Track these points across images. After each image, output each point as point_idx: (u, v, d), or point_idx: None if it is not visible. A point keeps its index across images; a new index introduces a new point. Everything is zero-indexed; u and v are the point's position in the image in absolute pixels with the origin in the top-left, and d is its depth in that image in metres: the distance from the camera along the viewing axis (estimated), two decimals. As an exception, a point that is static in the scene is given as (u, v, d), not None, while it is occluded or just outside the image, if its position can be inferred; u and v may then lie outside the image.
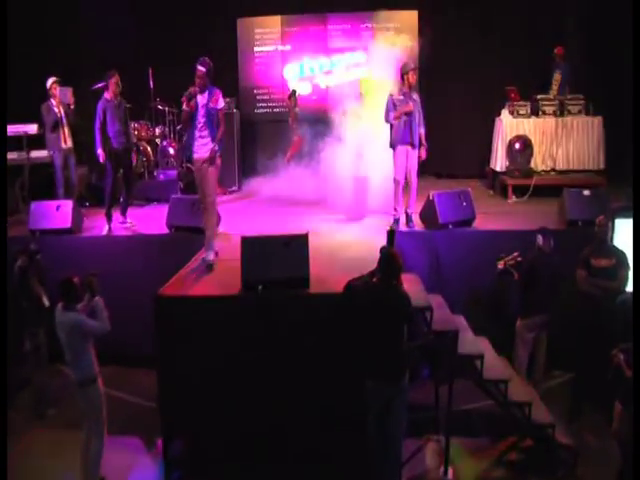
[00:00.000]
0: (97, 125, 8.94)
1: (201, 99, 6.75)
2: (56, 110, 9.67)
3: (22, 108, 10.21)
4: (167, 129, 11.77)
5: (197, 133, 6.77)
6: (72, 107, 9.79)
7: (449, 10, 11.80)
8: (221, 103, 6.89)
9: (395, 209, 8.33)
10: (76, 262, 8.09)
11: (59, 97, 9.63)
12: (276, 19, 12.64)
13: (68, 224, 8.93)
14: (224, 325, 5.82)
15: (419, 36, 11.41)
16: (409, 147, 8.07)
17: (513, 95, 10.66)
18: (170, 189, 10.79)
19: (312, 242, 6.18)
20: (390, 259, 5.21)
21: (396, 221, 8.29)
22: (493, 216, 8.82)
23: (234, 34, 12.67)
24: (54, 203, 9.14)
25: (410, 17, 12.12)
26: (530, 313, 7.02)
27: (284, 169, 11.14)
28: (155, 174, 11.55)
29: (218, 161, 6.89)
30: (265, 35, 12.72)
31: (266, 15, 12.66)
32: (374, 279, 5.36)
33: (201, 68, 6.71)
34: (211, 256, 6.86)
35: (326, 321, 5.71)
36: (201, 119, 6.74)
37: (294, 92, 11.73)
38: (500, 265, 7.22)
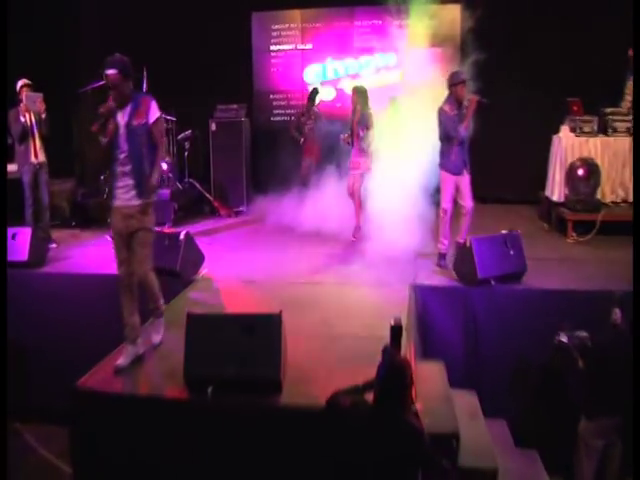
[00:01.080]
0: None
1: (121, 117, 4.54)
2: (24, 119, 8.10)
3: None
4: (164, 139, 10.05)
5: (118, 170, 4.59)
6: (43, 116, 8.18)
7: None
8: (153, 113, 4.58)
9: (442, 242, 6.93)
10: (29, 304, 6.82)
11: (25, 104, 8.04)
12: (296, 13, 10.94)
13: (24, 257, 7.45)
14: (157, 439, 4.07)
15: (461, 34, 9.59)
16: (462, 174, 6.87)
17: (576, 108, 8.68)
18: (162, 212, 9.13)
19: (310, 300, 5.53)
20: (392, 373, 3.38)
21: (442, 257, 6.88)
22: (549, 265, 6.91)
23: (248, 30, 10.98)
24: (10, 230, 7.55)
25: (451, 12, 10.24)
26: (599, 413, 5.09)
27: (302, 188, 9.42)
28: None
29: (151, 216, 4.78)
30: (283, 32, 11.04)
31: (285, 9, 10.99)
32: (370, 391, 3.54)
33: (111, 71, 4.49)
34: (156, 338, 4.98)
35: (303, 446, 3.90)
36: (123, 146, 4.52)
37: (315, 91, 9.94)
38: (561, 339, 5.34)
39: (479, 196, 10.20)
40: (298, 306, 5.75)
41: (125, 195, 4.55)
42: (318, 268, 6.94)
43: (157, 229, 6.96)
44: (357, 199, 8.05)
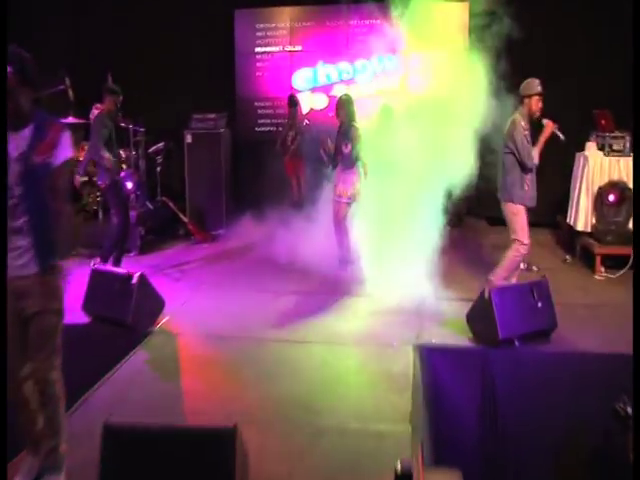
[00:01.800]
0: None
1: (14, 145, 3.01)
2: None
3: None
4: (134, 154, 8.85)
5: (10, 225, 3.02)
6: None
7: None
8: (64, 151, 3.08)
9: (499, 277, 5.82)
10: None
11: None
12: (284, 11, 9.77)
13: None
14: None
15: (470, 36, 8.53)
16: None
17: (604, 122, 7.50)
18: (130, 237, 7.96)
19: (289, 366, 4.61)
20: None
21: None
22: (580, 313, 5.74)
23: (230, 30, 9.76)
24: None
25: (459, 11, 9.14)
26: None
27: (292, 212, 8.24)
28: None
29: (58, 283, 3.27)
30: (270, 32, 9.85)
31: (271, 6, 9.80)
32: None
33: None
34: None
35: None
36: (13, 190, 3.00)
37: (292, 99, 8.81)
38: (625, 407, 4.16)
39: (487, 216, 9.17)
40: (274, 376, 4.60)
41: (16, 262, 3.09)
42: (301, 318, 5.73)
43: (99, 267, 5.87)
44: (342, 229, 6.90)
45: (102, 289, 5.60)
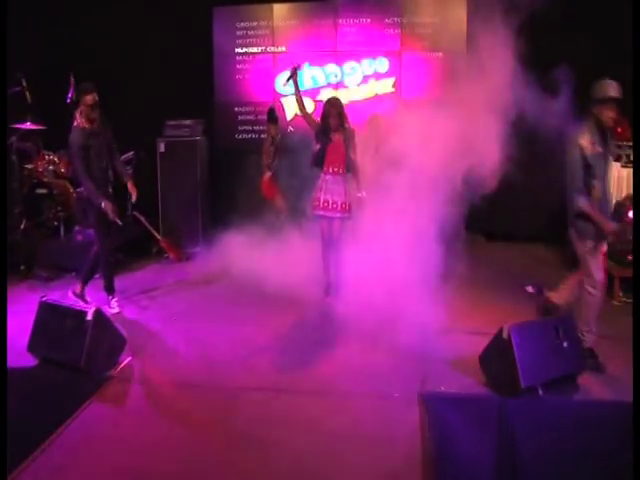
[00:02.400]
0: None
1: None
2: None
3: None
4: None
5: None
6: None
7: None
8: None
9: (583, 334, 4.72)
10: None
11: None
12: (267, 9, 9.03)
13: None
14: None
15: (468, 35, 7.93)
16: None
17: (621, 130, 6.77)
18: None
19: (273, 425, 3.87)
20: None
21: (591, 355, 4.73)
22: (601, 346, 4.98)
23: (208, 29, 9.00)
24: None
25: (457, 8, 8.48)
26: None
27: (276, 223, 7.50)
28: (74, 232, 7.85)
29: None
30: (251, 31, 9.10)
31: (253, 3, 9.02)
32: None
33: None
34: None
35: None
36: None
37: (272, 113, 8.04)
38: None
39: (484, 229, 8.47)
40: (254, 440, 3.80)
41: None
42: (286, 360, 4.92)
43: (48, 299, 5.03)
44: (333, 251, 6.12)
45: (51, 326, 4.77)
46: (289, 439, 3.78)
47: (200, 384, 4.50)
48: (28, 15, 8.39)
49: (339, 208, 6.01)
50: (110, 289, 6.13)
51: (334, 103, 6.14)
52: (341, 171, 6.04)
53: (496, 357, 4.33)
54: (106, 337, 4.66)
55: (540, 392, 4.21)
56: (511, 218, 8.54)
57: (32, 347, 4.81)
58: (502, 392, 4.28)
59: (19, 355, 4.84)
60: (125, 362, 4.79)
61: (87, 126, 5.76)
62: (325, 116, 6.09)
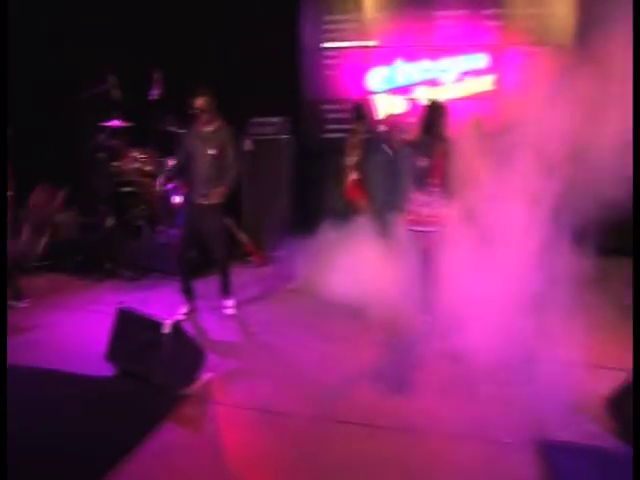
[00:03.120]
0: None
1: None
2: None
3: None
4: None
5: None
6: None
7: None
8: None
9: None
10: None
11: None
12: (357, 0, 8.47)
13: None
14: None
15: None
16: None
17: None
18: (174, 258, 6.94)
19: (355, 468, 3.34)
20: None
21: None
22: None
23: (294, 23, 8.62)
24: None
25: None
26: None
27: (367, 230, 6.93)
28: (157, 231, 7.67)
29: None
30: (341, 24, 8.62)
31: (343, -5, 8.55)
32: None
33: None
34: None
35: None
36: None
37: (359, 109, 7.52)
38: None
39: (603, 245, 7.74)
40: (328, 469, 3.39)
41: None
42: (381, 390, 4.43)
43: (126, 307, 4.76)
44: (427, 269, 5.48)
45: (129, 335, 4.52)
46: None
47: (285, 411, 4.09)
48: (115, 14, 8.28)
49: (435, 222, 5.46)
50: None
51: (441, 110, 5.61)
52: (438, 183, 5.52)
53: (624, 402, 3.73)
54: (184, 352, 4.35)
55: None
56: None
57: (111, 356, 4.57)
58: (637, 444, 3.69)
59: (99, 362, 4.63)
60: (204, 380, 4.45)
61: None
62: (429, 124, 5.56)
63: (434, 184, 5.54)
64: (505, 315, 4.60)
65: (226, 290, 6.13)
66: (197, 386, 4.39)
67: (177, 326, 4.28)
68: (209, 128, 5.90)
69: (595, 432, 3.82)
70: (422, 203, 5.54)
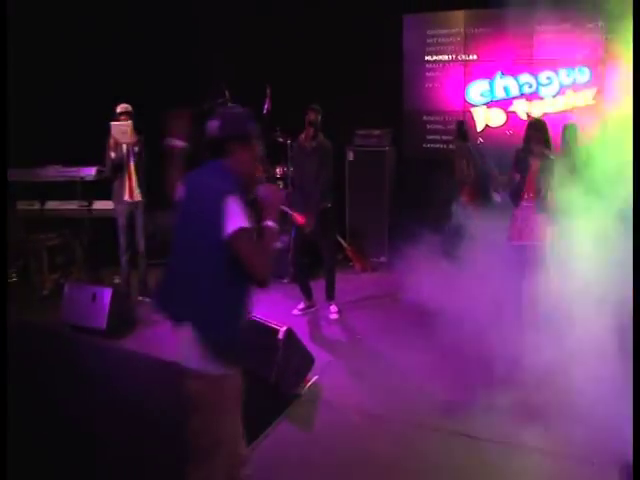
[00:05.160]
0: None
1: None
2: (114, 152, 6.88)
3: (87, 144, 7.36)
4: (289, 170, 8.34)
5: None
6: (137, 148, 6.80)
7: None
8: None
9: None
10: (103, 381, 5.32)
11: (114, 135, 6.69)
12: (458, 15, 8.81)
13: (102, 324, 6.23)
14: None
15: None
16: None
17: None
18: (280, 262, 7.55)
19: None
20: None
21: None
22: None
23: (398, 37, 9.00)
24: (90, 289, 6.32)
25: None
26: None
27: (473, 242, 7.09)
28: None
29: None
30: (442, 38, 8.94)
31: (444, 10, 8.84)
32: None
33: None
34: None
35: None
36: None
37: (462, 129, 7.83)
38: None
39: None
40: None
41: None
42: (469, 402, 4.73)
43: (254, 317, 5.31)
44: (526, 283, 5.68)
45: (247, 337, 5.07)
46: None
47: (383, 415, 4.54)
48: (231, 30, 8.90)
49: (533, 237, 5.72)
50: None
51: (539, 127, 5.87)
52: (535, 198, 5.78)
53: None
54: (295, 356, 4.86)
55: None
56: None
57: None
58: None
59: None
60: (311, 381, 4.95)
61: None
62: (527, 140, 5.84)
63: (529, 199, 5.82)
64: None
65: (331, 294, 6.63)
66: (306, 387, 4.89)
67: (290, 332, 4.80)
68: (312, 144, 6.40)
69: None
70: (519, 217, 5.84)
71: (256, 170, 2.96)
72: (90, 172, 7.40)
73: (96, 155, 7.23)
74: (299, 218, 3.08)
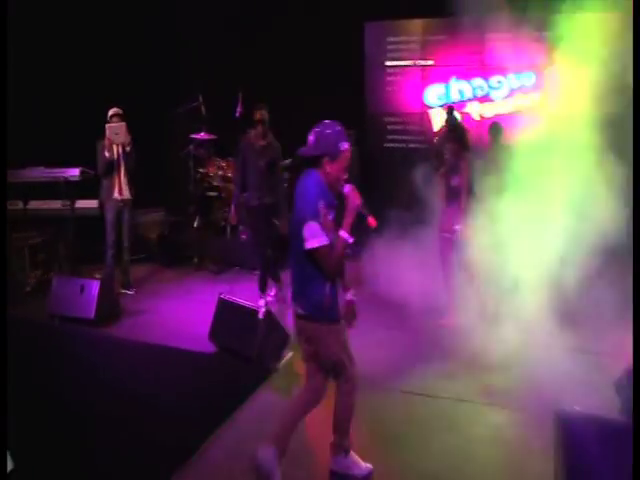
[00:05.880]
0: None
1: None
2: (108, 153, 7.30)
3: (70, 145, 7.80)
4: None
5: None
6: (128, 148, 7.27)
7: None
8: None
9: None
10: (94, 368, 5.72)
11: (109, 136, 7.12)
12: (416, 24, 9.52)
13: (91, 314, 6.62)
14: None
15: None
16: None
17: None
18: (255, 254, 8.05)
19: (409, 426, 4.40)
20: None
21: None
22: None
23: (359, 44, 9.64)
24: (78, 282, 6.72)
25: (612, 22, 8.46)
26: None
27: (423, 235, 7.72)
28: (239, 231, 8.78)
29: None
30: (401, 45, 9.60)
31: (403, 18, 9.52)
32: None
33: None
34: None
35: None
36: None
37: (451, 111, 8.37)
38: None
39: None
40: (400, 438, 4.39)
41: None
42: (423, 365, 5.45)
43: (227, 297, 5.87)
44: (446, 270, 6.39)
45: (228, 320, 5.63)
46: (431, 440, 4.32)
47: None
48: (204, 38, 9.41)
49: (453, 230, 6.27)
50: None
51: (454, 128, 6.70)
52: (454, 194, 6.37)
53: (627, 384, 4.60)
54: (274, 332, 5.41)
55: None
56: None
57: (212, 336, 5.70)
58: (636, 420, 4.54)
59: (199, 340, 5.83)
60: (287, 357, 5.51)
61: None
62: (443, 139, 6.50)
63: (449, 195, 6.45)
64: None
65: (276, 279, 7.01)
66: (282, 362, 5.45)
67: (269, 313, 5.35)
68: (262, 142, 6.68)
69: (603, 407, 4.64)
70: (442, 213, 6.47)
71: (343, 176, 3.68)
72: (75, 173, 7.77)
73: (78, 156, 7.68)
74: (372, 221, 3.52)
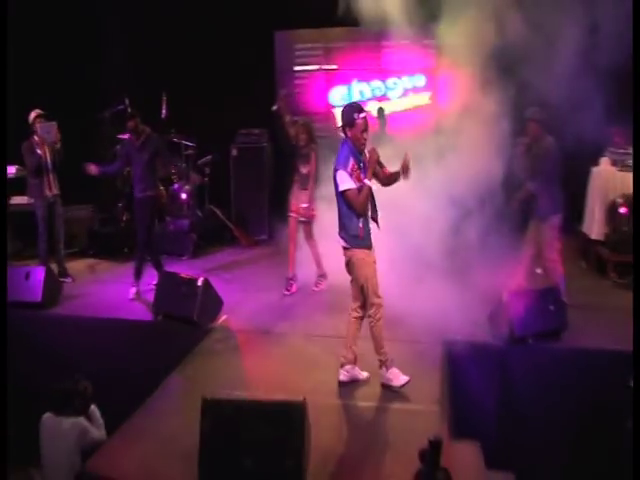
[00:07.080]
0: None
1: None
2: (39, 151, 7.80)
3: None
4: (184, 166, 9.71)
5: None
6: (58, 146, 7.88)
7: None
8: None
9: None
10: (43, 347, 6.62)
11: (39, 135, 7.72)
12: (321, 32, 10.54)
13: (38, 297, 7.14)
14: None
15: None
16: None
17: (618, 139, 8.15)
18: (181, 242, 8.93)
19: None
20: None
21: None
22: (589, 314, 6.39)
23: (270, 51, 10.61)
24: (23, 270, 7.29)
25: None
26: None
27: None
28: (166, 222, 9.55)
29: None
30: (308, 52, 10.62)
31: (308, 27, 10.52)
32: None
33: None
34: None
35: None
36: None
37: (381, 110, 9.56)
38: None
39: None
40: (323, 365, 5.43)
41: None
42: (334, 314, 6.41)
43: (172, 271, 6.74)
44: (311, 247, 7.52)
45: (170, 290, 6.47)
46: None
47: (279, 332, 6.26)
48: (130, 43, 10.11)
49: (303, 212, 7.47)
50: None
51: (303, 124, 7.89)
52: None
53: (497, 315, 5.84)
54: (210, 298, 6.32)
55: (530, 341, 5.69)
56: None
57: (156, 307, 6.53)
58: (503, 341, 5.76)
59: (143, 312, 6.73)
60: (223, 318, 6.44)
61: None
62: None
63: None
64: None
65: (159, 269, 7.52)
66: (219, 322, 6.38)
67: (206, 281, 6.25)
68: (139, 141, 7.39)
69: (480, 335, 5.89)
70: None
71: (362, 139, 4.91)
72: (11, 171, 8.31)
73: (11, 155, 8.19)
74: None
